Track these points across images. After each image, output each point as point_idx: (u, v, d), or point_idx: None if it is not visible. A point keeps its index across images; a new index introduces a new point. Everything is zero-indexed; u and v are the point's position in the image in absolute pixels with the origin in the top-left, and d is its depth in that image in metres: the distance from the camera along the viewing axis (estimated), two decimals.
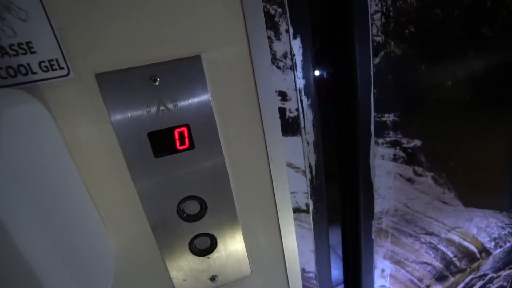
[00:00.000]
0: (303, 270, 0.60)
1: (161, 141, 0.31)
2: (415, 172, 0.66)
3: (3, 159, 0.18)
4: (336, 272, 0.76)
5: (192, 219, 0.34)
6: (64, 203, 0.26)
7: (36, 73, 0.26)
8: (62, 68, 0.27)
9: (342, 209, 0.68)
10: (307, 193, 0.54)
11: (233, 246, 0.37)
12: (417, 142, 0.63)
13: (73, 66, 0.27)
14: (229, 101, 0.32)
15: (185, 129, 0.31)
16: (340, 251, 0.74)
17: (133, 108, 0.30)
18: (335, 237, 0.72)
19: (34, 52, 0.26)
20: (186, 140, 0.32)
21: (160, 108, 0.30)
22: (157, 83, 0.30)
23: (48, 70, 0.26)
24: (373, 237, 0.67)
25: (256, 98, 0.33)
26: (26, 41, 0.25)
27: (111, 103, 0.29)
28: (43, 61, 0.26)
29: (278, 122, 0.36)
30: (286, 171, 0.39)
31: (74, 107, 0.28)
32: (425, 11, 0.52)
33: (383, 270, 0.73)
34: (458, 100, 0.63)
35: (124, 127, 0.30)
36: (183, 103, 0.31)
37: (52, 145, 0.26)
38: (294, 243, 0.42)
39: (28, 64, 0.26)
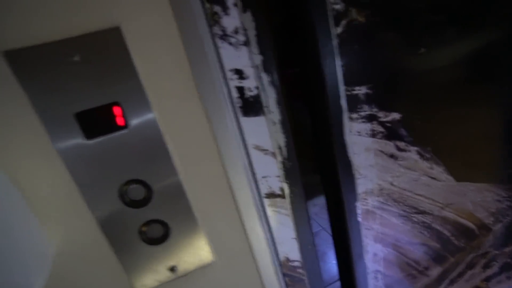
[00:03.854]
0: (287, 259, 0.57)
1: (91, 122, 0.29)
2: (397, 148, 0.63)
3: None
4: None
5: (138, 205, 0.32)
6: None
7: None
8: None
9: (325, 192, 0.65)
10: (279, 176, 0.52)
11: (188, 232, 0.35)
12: (396, 116, 0.60)
13: None
14: (159, 75, 0.30)
15: (116, 107, 0.29)
16: None
17: (55, 88, 0.28)
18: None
19: None
20: (119, 119, 0.30)
21: (85, 86, 0.28)
22: (76, 59, 0.28)
23: None
24: (359, 219, 0.64)
25: (189, 68, 0.30)
26: None
27: (28, 84, 0.27)
28: None
29: (217, 94, 0.33)
30: (238, 147, 0.36)
31: None
32: None
33: (375, 254, 0.70)
34: (434, 67, 0.60)
35: (48, 110, 0.28)
36: (109, 79, 0.29)
37: None
38: (258, 225, 0.40)
39: None
